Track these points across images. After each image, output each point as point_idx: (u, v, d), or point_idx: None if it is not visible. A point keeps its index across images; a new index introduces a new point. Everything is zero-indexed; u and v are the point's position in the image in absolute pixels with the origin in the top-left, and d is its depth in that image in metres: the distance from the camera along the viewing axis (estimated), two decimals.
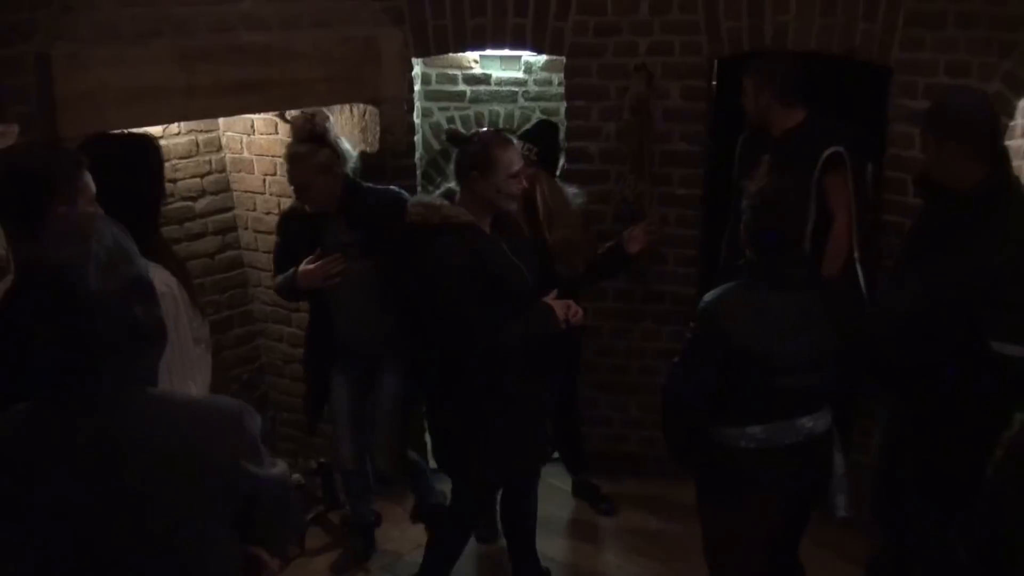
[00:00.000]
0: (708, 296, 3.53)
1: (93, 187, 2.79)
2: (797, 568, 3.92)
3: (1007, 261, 3.45)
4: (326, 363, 4.67)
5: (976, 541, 2.76)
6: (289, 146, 4.30)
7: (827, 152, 4.44)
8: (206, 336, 3.26)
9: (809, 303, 3.43)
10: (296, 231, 4.47)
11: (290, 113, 4.52)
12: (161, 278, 2.91)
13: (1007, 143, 4.19)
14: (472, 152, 3.82)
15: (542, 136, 4.77)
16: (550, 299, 3.89)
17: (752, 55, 4.78)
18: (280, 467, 2.31)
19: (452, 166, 3.94)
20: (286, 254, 4.47)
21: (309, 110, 4.39)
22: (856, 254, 4.47)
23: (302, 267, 4.30)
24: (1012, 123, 4.16)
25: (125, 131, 3.55)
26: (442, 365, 3.96)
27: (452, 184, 3.94)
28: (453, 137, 4.09)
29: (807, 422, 3.50)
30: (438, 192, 4.05)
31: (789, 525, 3.74)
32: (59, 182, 2.71)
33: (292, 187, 4.36)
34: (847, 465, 3.69)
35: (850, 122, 4.57)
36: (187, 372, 3.01)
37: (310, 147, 4.23)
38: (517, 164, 3.84)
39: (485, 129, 4.48)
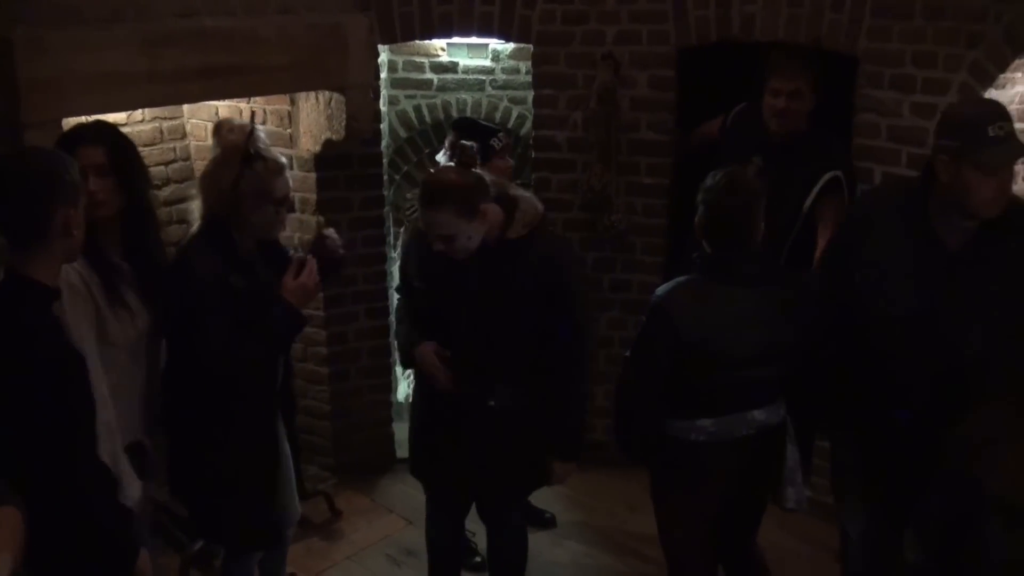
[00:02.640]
0: (659, 290, 3.51)
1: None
2: (755, 555, 3.94)
3: None
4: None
5: (932, 542, 2.76)
6: (264, 151, 3.51)
7: (827, 176, 4.34)
8: (121, 340, 3.16)
9: (761, 298, 3.42)
10: (233, 278, 3.43)
11: (229, 124, 3.88)
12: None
13: None
14: None
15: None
16: (427, 349, 3.68)
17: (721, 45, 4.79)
18: None
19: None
20: (226, 313, 3.38)
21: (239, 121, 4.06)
22: None
23: (289, 285, 3.47)
24: None
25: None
26: None
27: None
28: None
29: (759, 415, 3.51)
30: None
31: (743, 515, 3.77)
32: (64, 185, 2.65)
33: (263, 212, 3.45)
34: (799, 457, 3.71)
35: (840, 134, 4.56)
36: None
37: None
38: None
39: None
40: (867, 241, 3.43)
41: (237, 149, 3.47)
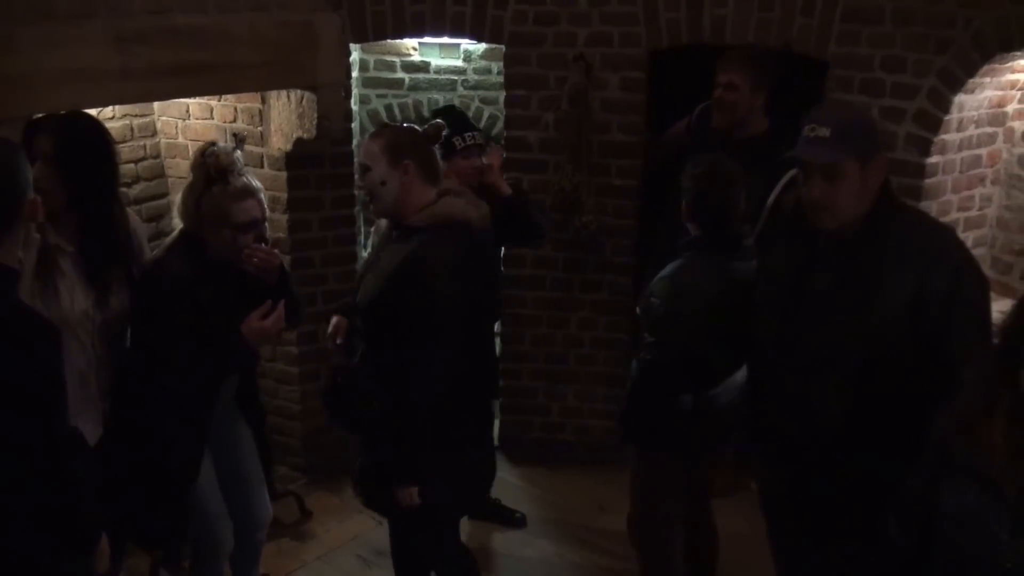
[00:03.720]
0: (664, 273, 3.66)
1: None
2: (712, 523, 4.18)
3: None
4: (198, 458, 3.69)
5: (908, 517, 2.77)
6: (232, 175, 3.50)
7: (791, 174, 4.10)
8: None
9: (744, 266, 3.61)
10: (205, 297, 3.50)
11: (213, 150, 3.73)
12: None
13: (942, 137, 4.29)
14: None
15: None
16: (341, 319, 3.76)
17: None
18: None
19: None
20: (193, 335, 3.45)
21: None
22: None
23: (253, 324, 3.47)
24: (947, 117, 4.24)
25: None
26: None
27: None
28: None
29: (740, 377, 3.70)
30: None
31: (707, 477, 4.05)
32: (27, 173, 2.64)
33: (220, 235, 3.51)
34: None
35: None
36: None
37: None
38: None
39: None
40: (772, 243, 3.52)
41: (205, 169, 3.52)
